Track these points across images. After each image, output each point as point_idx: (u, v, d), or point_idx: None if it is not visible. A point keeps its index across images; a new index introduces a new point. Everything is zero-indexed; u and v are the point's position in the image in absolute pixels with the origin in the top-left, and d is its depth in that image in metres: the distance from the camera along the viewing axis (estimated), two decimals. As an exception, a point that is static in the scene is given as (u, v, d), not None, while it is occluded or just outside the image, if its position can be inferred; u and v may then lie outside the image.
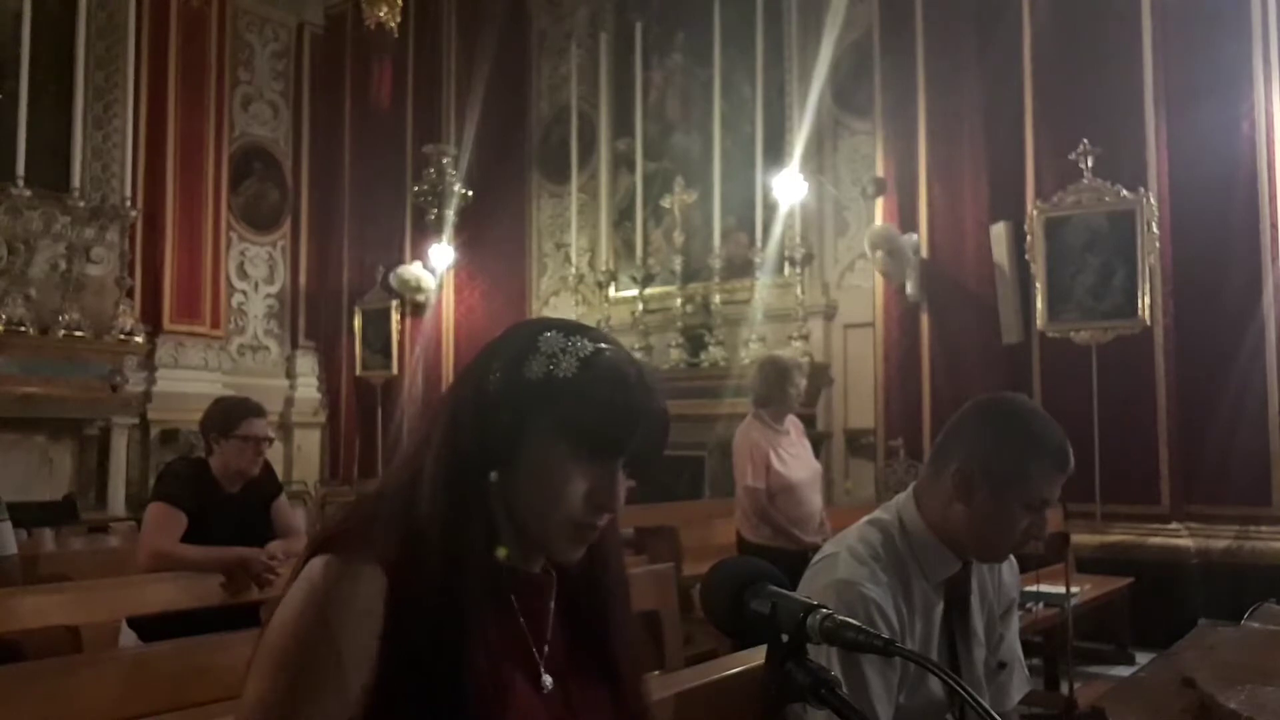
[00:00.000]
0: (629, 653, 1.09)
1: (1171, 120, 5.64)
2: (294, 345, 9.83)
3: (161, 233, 8.46)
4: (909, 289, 6.32)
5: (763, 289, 7.28)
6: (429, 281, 8.83)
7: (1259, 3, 5.50)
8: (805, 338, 7.00)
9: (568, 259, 8.55)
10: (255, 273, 9.67)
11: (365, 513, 1.00)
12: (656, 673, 1.06)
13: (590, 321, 8.22)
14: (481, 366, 1.01)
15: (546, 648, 1.02)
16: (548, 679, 1.00)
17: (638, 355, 6.95)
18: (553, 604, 1.05)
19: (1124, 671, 4.34)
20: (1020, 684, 1.79)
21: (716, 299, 7.53)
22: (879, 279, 6.55)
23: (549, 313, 8.73)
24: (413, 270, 8.86)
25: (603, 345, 1.00)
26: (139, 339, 8.09)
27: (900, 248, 6.24)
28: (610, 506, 1.00)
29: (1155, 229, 5.50)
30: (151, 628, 2.94)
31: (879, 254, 6.29)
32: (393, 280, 8.93)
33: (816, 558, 1.68)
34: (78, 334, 7.71)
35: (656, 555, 4.11)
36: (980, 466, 1.59)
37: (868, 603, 1.51)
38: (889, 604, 1.54)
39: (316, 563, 0.95)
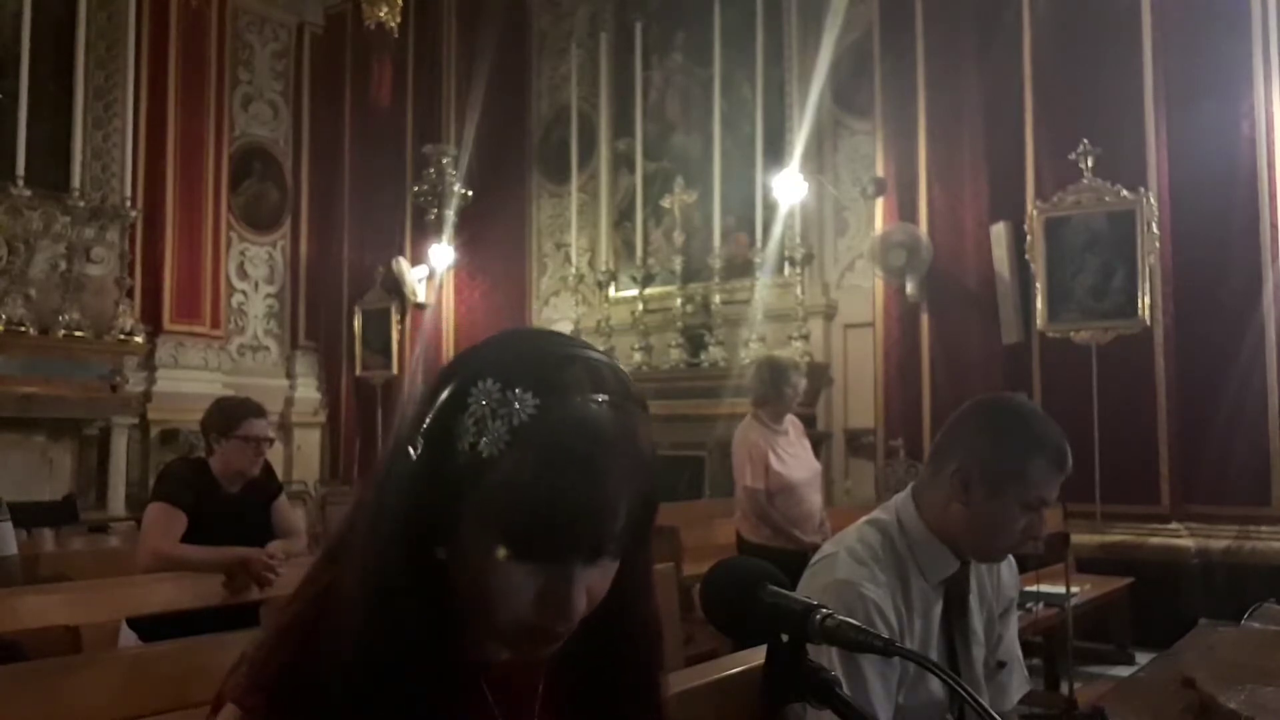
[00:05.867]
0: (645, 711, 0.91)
1: (1171, 120, 5.64)
2: (294, 345, 9.83)
3: (161, 233, 8.46)
4: (909, 289, 6.32)
5: (763, 289, 7.28)
6: (416, 285, 8.85)
7: (1259, 3, 5.51)
8: (805, 338, 7.00)
9: (568, 259, 8.55)
10: (255, 273, 9.67)
11: (291, 645, 0.80)
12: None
13: (590, 322, 8.34)
14: (412, 421, 0.79)
15: None
16: None
17: (639, 355, 6.84)
18: (540, 687, 0.87)
19: (1124, 671, 4.33)
20: (1020, 683, 1.80)
21: (716, 299, 7.53)
22: (879, 279, 6.55)
23: (549, 313, 8.75)
24: (403, 268, 8.88)
25: (551, 398, 0.75)
26: (139, 339, 8.09)
27: (917, 243, 6.23)
28: (564, 614, 0.76)
29: (1155, 229, 5.50)
30: (151, 628, 2.93)
31: (897, 251, 6.25)
32: (393, 266, 8.96)
33: (815, 558, 1.68)
34: (78, 334, 7.71)
35: (656, 555, 4.10)
36: (979, 466, 1.59)
37: (866, 602, 1.51)
38: (888, 604, 1.54)
39: (223, 716, 0.78)
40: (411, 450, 0.78)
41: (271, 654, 0.80)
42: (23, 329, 7.41)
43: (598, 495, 0.75)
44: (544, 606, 0.76)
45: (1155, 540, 5.47)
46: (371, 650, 0.75)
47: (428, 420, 0.78)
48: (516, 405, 0.74)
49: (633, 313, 7.94)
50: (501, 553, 0.75)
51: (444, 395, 0.77)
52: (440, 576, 0.78)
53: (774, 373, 4.34)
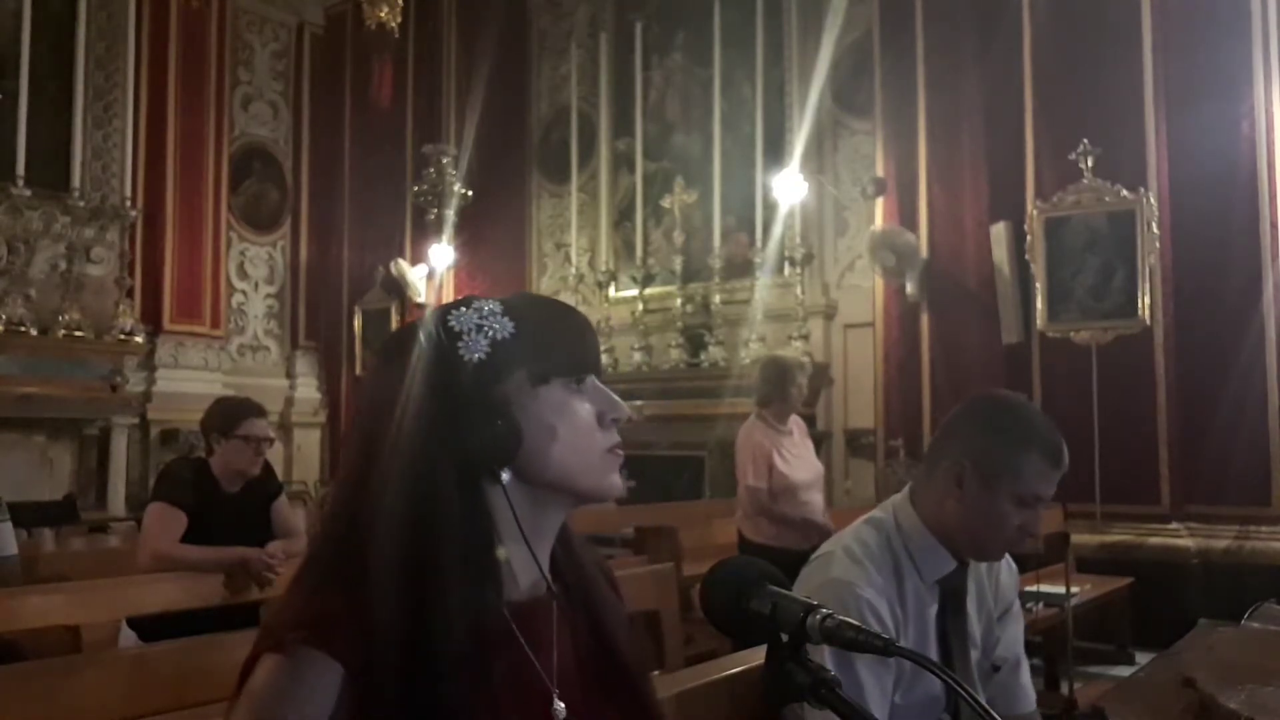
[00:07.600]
0: (635, 654, 1.04)
1: (1171, 120, 5.63)
2: (294, 345, 9.84)
3: (161, 233, 8.47)
4: (909, 289, 6.32)
5: (763, 289, 7.28)
6: (418, 283, 8.85)
7: (1259, 3, 5.50)
8: (805, 338, 7.00)
9: (568, 259, 8.56)
10: (255, 273, 9.67)
11: (321, 592, 0.87)
12: (656, 673, 1.02)
13: (590, 321, 8.23)
14: (390, 398, 0.93)
15: (555, 672, 0.95)
16: (560, 706, 0.93)
17: (639, 355, 6.89)
18: (555, 623, 0.97)
19: (1124, 671, 4.34)
20: (1029, 686, 1.78)
21: (716, 299, 7.53)
22: (879, 279, 6.54)
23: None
24: (403, 269, 8.88)
25: (492, 298, 0.99)
26: (139, 339, 8.10)
27: (908, 247, 6.24)
28: (620, 410, 0.98)
29: (1155, 229, 5.50)
30: (151, 628, 2.93)
31: (885, 253, 6.26)
32: (391, 268, 8.96)
33: (813, 557, 1.69)
34: (78, 334, 7.71)
35: (656, 555, 4.10)
36: (973, 461, 1.58)
37: (861, 601, 1.51)
38: (883, 602, 1.54)
39: (261, 667, 0.84)
40: (429, 402, 0.90)
41: (309, 599, 0.87)
42: (23, 329, 7.42)
43: (577, 311, 1.03)
44: (605, 419, 0.96)
45: (1155, 540, 5.47)
46: (436, 581, 0.85)
47: (417, 375, 0.91)
48: (486, 307, 0.95)
49: (633, 313, 7.94)
50: (559, 395, 0.94)
51: (414, 359, 0.92)
52: (494, 519, 0.91)
53: (779, 373, 4.33)
